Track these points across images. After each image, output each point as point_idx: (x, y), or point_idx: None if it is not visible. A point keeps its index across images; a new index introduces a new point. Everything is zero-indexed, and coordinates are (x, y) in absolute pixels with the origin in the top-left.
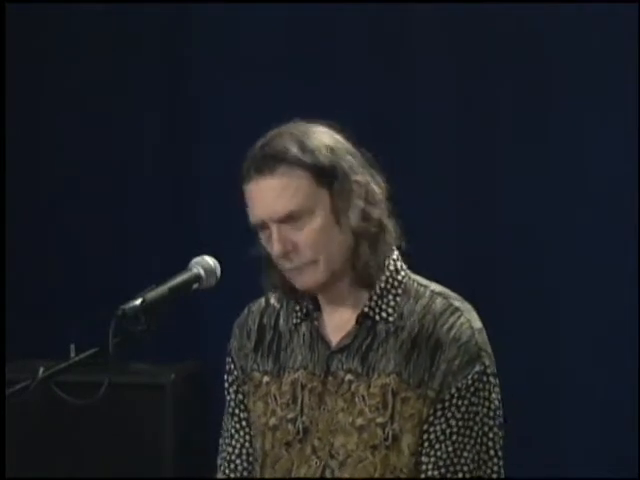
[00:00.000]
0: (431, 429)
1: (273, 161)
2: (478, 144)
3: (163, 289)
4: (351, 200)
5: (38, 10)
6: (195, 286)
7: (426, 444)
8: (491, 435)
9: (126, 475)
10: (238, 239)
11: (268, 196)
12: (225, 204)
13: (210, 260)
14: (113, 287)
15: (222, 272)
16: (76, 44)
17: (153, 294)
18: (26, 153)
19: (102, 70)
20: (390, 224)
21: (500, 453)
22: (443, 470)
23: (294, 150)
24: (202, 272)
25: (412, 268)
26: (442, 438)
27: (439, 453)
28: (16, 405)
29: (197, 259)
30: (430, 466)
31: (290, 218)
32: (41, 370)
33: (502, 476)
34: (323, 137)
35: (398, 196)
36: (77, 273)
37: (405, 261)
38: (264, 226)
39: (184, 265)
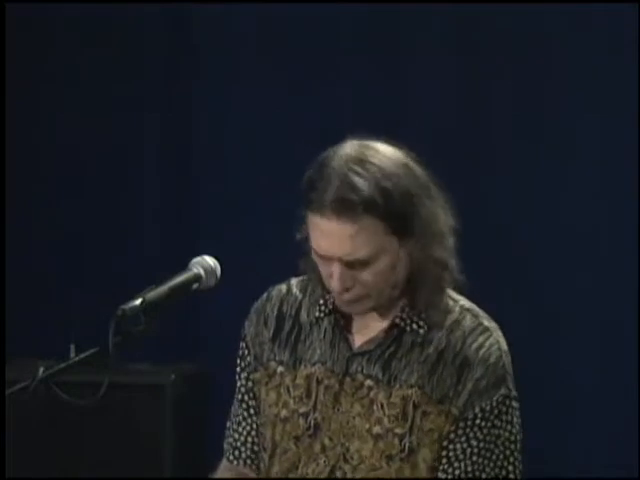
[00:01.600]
0: (451, 446)
1: (354, 208)
2: (478, 144)
3: (163, 289)
4: (418, 248)
5: (38, 10)
6: (195, 286)
7: (444, 461)
8: (512, 459)
9: (126, 475)
10: (238, 239)
11: (340, 240)
12: (225, 204)
13: (210, 260)
14: (113, 287)
15: (222, 272)
16: (76, 44)
17: (153, 294)
18: (26, 153)
19: (102, 70)
20: (452, 262)
21: (519, 478)
22: None
23: (375, 198)
24: (202, 272)
25: None
26: (462, 457)
27: (457, 472)
28: (16, 405)
29: (197, 259)
30: None
31: (358, 264)
32: (41, 370)
33: None
34: (407, 179)
35: None
36: (77, 273)
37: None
38: (326, 257)
39: (184, 265)
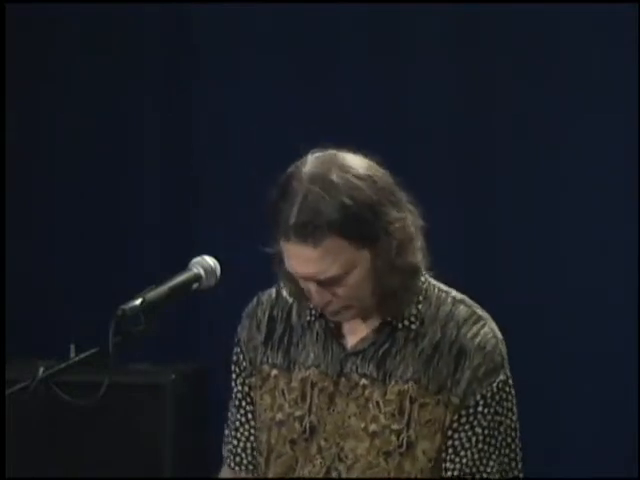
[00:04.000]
0: (456, 435)
1: (317, 232)
2: (478, 144)
3: (163, 289)
4: (388, 258)
5: (38, 10)
6: (195, 286)
7: (450, 450)
8: (513, 446)
9: (126, 475)
10: (238, 239)
11: (308, 262)
12: (225, 204)
13: (210, 260)
14: (113, 287)
15: (222, 272)
16: (76, 44)
17: (153, 294)
18: (26, 153)
19: (102, 70)
20: (423, 260)
21: (520, 465)
22: (468, 477)
23: (337, 219)
24: (202, 272)
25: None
26: (467, 445)
27: (465, 460)
28: (16, 405)
29: (197, 259)
30: (456, 473)
31: (332, 281)
32: (41, 370)
33: None
34: (366, 190)
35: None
36: (77, 273)
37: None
38: (299, 276)
39: (184, 265)
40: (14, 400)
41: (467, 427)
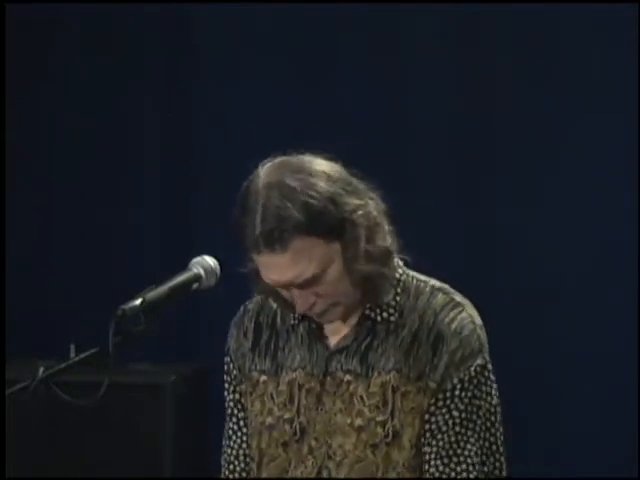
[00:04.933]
0: (432, 419)
1: (283, 236)
2: (478, 144)
3: (163, 289)
4: (358, 245)
5: (38, 10)
6: (195, 286)
7: (428, 434)
8: (493, 431)
9: (126, 475)
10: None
11: (285, 269)
12: (225, 204)
13: (210, 260)
14: (113, 287)
15: (222, 272)
16: (76, 44)
17: (153, 294)
18: (26, 153)
19: (102, 70)
20: (393, 244)
21: (502, 450)
22: (446, 460)
23: (302, 219)
24: (202, 272)
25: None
26: (444, 429)
27: (441, 443)
28: (16, 405)
29: (197, 259)
30: (432, 456)
31: (311, 282)
32: (41, 370)
33: (504, 473)
34: (321, 184)
35: (396, 196)
36: (77, 273)
37: (401, 259)
38: (277, 286)
39: (184, 265)
40: (14, 400)
41: (444, 410)
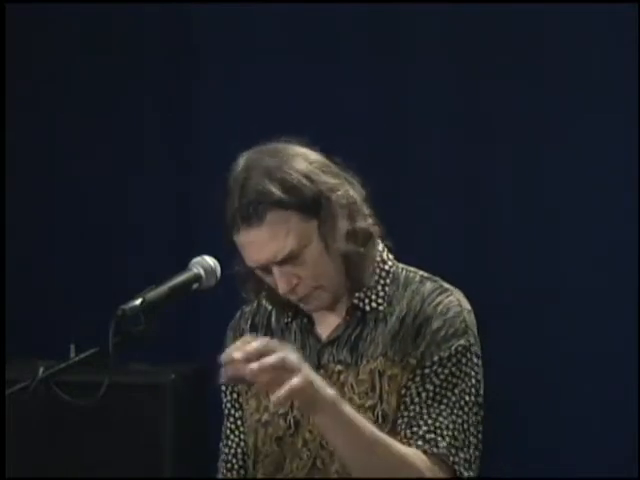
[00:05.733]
0: (407, 392)
1: (259, 208)
2: (478, 144)
3: (163, 289)
4: (336, 223)
5: (38, 10)
6: (195, 286)
7: (402, 407)
8: (466, 409)
9: (126, 475)
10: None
11: (263, 244)
12: (225, 204)
13: (210, 260)
14: (113, 287)
15: (222, 272)
16: (76, 44)
17: (153, 294)
18: (26, 153)
19: (102, 70)
20: (374, 227)
21: (475, 431)
22: (415, 428)
23: (277, 192)
24: (202, 272)
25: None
26: (417, 400)
27: (412, 414)
28: (16, 405)
29: (197, 259)
30: (403, 426)
31: (290, 258)
32: (41, 370)
33: (474, 455)
34: (298, 164)
35: (395, 196)
36: (77, 273)
37: (390, 251)
38: (263, 268)
39: (184, 265)
40: (14, 400)
41: (419, 383)
